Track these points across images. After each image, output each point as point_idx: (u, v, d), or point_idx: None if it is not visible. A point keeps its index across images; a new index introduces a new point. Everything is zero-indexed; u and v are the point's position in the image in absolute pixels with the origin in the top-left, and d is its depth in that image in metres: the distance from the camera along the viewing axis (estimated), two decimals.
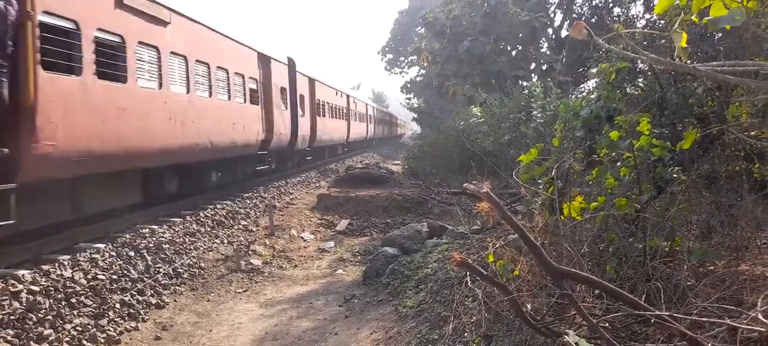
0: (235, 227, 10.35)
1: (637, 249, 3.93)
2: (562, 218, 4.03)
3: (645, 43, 5.46)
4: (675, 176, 4.18)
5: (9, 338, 4.90)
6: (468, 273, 5.05)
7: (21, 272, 5.84)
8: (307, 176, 18.88)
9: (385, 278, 7.32)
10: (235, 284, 7.84)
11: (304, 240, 10.51)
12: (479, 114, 17.41)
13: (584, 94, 10.83)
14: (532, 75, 20.63)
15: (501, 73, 20.33)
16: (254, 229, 10.60)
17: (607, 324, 3.16)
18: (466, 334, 4.36)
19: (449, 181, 14.54)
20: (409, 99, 40.91)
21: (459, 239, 7.48)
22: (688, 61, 2.39)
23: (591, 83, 13.59)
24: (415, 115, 37.87)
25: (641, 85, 5.98)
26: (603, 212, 4.04)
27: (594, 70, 5.83)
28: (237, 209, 11.46)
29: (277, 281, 8.11)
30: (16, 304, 5.26)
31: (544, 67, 20.48)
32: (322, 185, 17.52)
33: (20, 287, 5.51)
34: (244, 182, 14.53)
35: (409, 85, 40.96)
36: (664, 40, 5.13)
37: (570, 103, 5.53)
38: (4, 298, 5.26)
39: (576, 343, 2.57)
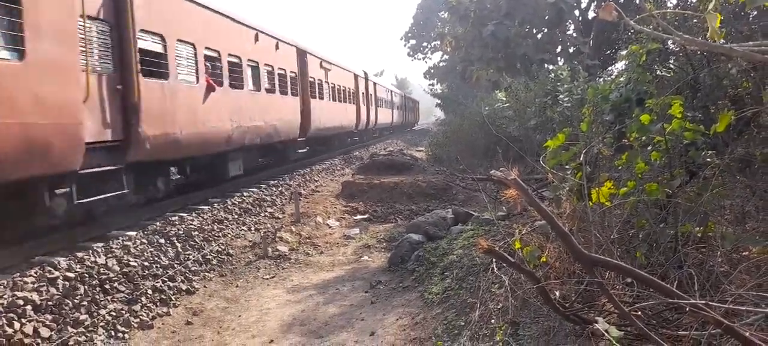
0: (262, 215, 10.49)
1: (669, 235, 3.85)
2: (591, 204, 3.96)
3: (677, 23, 5.30)
4: (708, 160, 4.07)
5: (47, 322, 5.08)
6: (494, 260, 5.03)
7: (57, 259, 6.04)
8: (331, 163, 18.98)
9: (411, 265, 7.34)
10: (262, 271, 7.96)
11: (330, 227, 10.59)
12: (504, 99, 17.19)
13: (613, 77, 10.59)
14: (559, 58, 20.22)
15: (526, 56, 20.00)
16: (280, 216, 10.73)
17: (639, 312, 3.12)
18: (492, 320, 4.36)
19: (474, 167, 14.43)
20: (433, 85, 40.64)
21: (484, 225, 7.44)
22: (723, 41, 2.31)
23: (619, 66, 13.29)
24: (439, 102, 37.63)
25: (673, 66, 5.82)
26: (633, 198, 3.97)
27: (623, 53, 5.70)
28: (263, 196, 11.61)
29: (304, 268, 8.21)
30: (53, 290, 5.44)
31: (570, 51, 20.07)
32: (346, 172, 17.59)
33: (56, 273, 5.69)
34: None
35: (432, 71, 40.67)
36: (696, 20, 4.98)
37: (599, 87, 5.41)
38: (41, 284, 5.44)
39: (606, 330, 2.54)
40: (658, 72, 5.93)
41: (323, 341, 5.45)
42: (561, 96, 11.28)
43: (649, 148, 4.13)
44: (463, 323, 4.78)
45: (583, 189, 4.04)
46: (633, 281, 3.53)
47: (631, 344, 2.98)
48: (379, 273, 7.62)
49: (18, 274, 5.52)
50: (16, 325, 4.83)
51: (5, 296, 5.06)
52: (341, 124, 22.20)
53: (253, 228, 9.61)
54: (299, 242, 9.27)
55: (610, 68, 17.73)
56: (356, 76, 25.80)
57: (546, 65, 18.91)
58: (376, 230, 10.29)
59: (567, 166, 4.53)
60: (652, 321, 3.21)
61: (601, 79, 12.94)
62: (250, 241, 8.98)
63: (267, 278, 7.70)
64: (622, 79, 5.88)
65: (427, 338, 4.98)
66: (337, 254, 8.96)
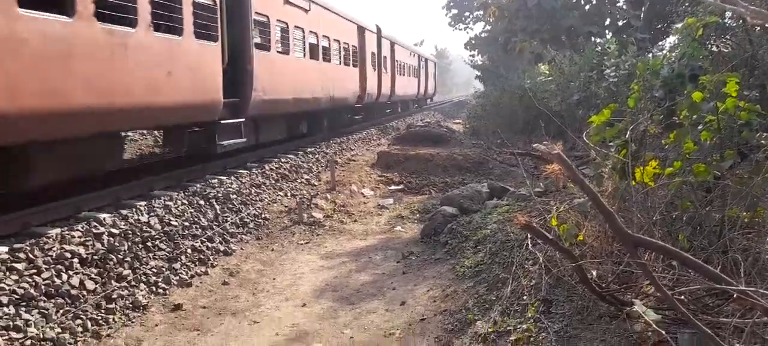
0: (298, 181, 10.62)
1: (714, 219, 3.70)
2: (634, 183, 3.83)
3: None
4: (762, 142, 3.85)
5: (92, 275, 5.31)
6: (529, 236, 4.96)
7: (102, 216, 6.27)
8: (367, 133, 18.99)
9: (443, 237, 7.32)
10: (297, 236, 8.09)
11: (364, 196, 10.65)
12: (547, 72, 16.74)
13: (664, 52, 10.13)
14: (607, 32, 19.45)
15: (572, 29, 19.33)
16: (316, 183, 10.84)
17: (681, 296, 3.02)
18: (524, 297, 4.31)
19: (512, 141, 14.20)
20: (473, 56, 39.84)
21: (520, 201, 7.33)
22: None
23: (671, 40, 12.69)
24: (479, 73, 36.93)
25: (730, 42, 5.51)
26: (678, 179, 3.81)
27: (678, 26, 5.41)
28: (300, 163, 11.73)
29: (338, 235, 8.30)
30: (98, 245, 5.67)
31: (619, 24, 19.24)
32: (382, 142, 17.58)
33: (102, 229, 5.92)
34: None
35: (473, 42, 39.84)
36: None
37: (649, 62, 5.17)
38: (87, 239, 5.67)
39: (644, 313, 2.47)
40: (714, 48, 5.62)
41: (354, 308, 5.53)
42: (607, 71, 10.88)
43: (700, 127, 3.94)
44: (494, 298, 4.75)
45: (626, 167, 3.90)
46: (674, 264, 3.42)
47: (668, 329, 2.89)
48: (412, 244, 7.64)
49: (66, 228, 5.76)
50: (64, 276, 5.07)
51: (54, 249, 5.30)
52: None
53: (289, 194, 9.75)
54: (334, 210, 9.36)
55: (661, 43, 16.98)
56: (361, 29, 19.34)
57: (593, 38, 18.24)
58: (410, 201, 10.30)
59: (611, 144, 4.38)
60: (691, 306, 3.11)
61: (651, 54, 12.41)
62: (286, 206, 9.12)
63: (301, 244, 7.82)
64: (674, 54, 5.60)
65: (457, 310, 4.99)
66: (371, 223, 9.02)
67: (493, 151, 14.12)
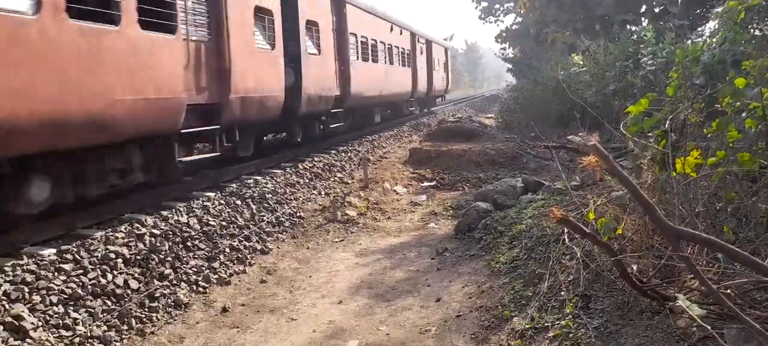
0: (332, 179, 10.71)
1: (761, 209, 3.56)
2: (674, 174, 3.72)
3: None
4: None
5: (136, 275, 5.49)
6: (565, 230, 4.88)
7: (144, 217, 6.47)
8: (399, 130, 19.00)
9: (478, 233, 7.27)
10: (331, 234, 8.17)
11: (397, 193, 10.66)
12: (581, 63, 16.40)
13: (703, 38, 9.79)
14: (642, 19, 18.90)
15: (606, 17, 18.85)
16: (349, 181, 10.91)
17: (728, 291, 2.92)
18: (562, 292, 4.25)
19: (547, 134, 13.96)
20: (504, 49, 39.33)
21: (556, 195, 7.21)
22: None
23: (711, 26, 12.25)
24: (510, 66, 36.43)
25: None
26: (722, 169, 3.69)
27: (718, 10, 5.23)
28: (333, 161, 11.83)
29: (371, 232, 8.34)
30: (140, 245, 5.85)
31: (656, 10, 18.66)
32: (413, 138, 17.54)
33: (143, 230, 6.11)
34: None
35: (504, 35, 39.31)
36: None
37: (688, 48, 5.01)
38: (130, 240, 5.87)
39: (687, 308, 2.40)
40: (757, 31, 5.40)
41: (390, 305, 5.55)
42: (644, 59, 10.59)
43: (743, 114, 3.80)
44: (530, 294, 4.70)
45: (666, 158, 3.80)
46: (718, 257, 3.31)
47: (714, 324, 2.80)
48: (446, 240, 7.61)
49: (110, 229, 5.97)
50: (109, 276, 5.25)
51: (99, 250, 5.50)
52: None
53: (322, 192, 9.85)
54: (367, 207, 9.41)
55: (700, 28, 16.41)
56: None
57: (628, 26, 17.76)
58: (443, 198, 10.26)
59: (650, 134, 4.26)
60: (738, 301, 3.01)
61: (690, 41, 12.02)
62: (320, 205, 9.22)
63: (336, 241, 7.89)
64: (715, 39, 5.41)
65: (493, 306, 4.95)
66: (404, 220, 9.02)
67: (526, 145, 13.93)
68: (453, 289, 5.75)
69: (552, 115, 16.83)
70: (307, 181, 10.10)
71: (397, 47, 20.17)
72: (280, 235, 7.77)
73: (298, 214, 8.60)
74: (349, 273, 6.55)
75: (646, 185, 4.12)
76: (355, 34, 14.88)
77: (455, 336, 4.69)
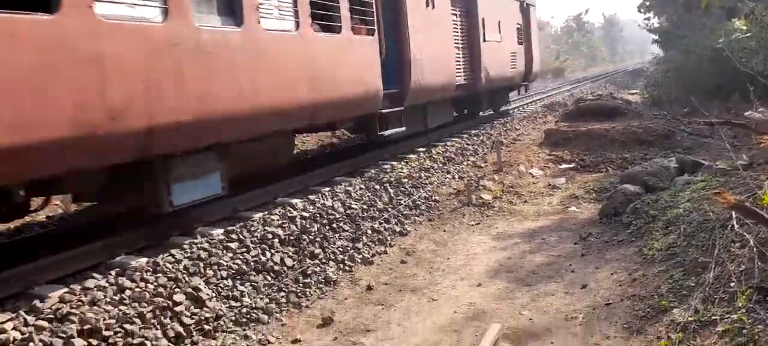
0: (465, 163, 10.69)
1: None
2: None
3: None
4: None
5: (290, 254, 5.99)
6: (734, 215, 4.41)
7: (294, 201, 7.02)
8: (532, 110, 18.32)
9: (626, 218, 6.82)
10: (467, 217, 8.18)
11: (533, 176, 10.34)
12: (744, 27, 14.48)
13: None
14: None
15: None
16: (482, 165, 10.81)
17: None
18: (732, 283, 3.86)
19: (704, 109, 12.59)
20: (648, 19, 35.90)
21: (719, 175, 6.50)
22: None
23: None
24: (656, 37, 33.19)
25: None
26: None
27: None
28: (465, 145, 11.78)
29: (508, 216, 8.21)
30: (293, 227, 6.36)
31: None
32: (548, 119, 16.81)
33: (295, 213, 6.63)
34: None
35: (647, 3, 35.86)
36: None
37: None
38: (284, 222, 6.40)
39: None
40: None
41: (531, 289, 5.45)
42: None
43: None
44: (693, 284, 4.32)
45: None
46: None
47: None
48: (589, 225, 7.25)
49: (266, 212, 6.57)
50: (268, 254, 5.79)
51: (258, 231, 6.08)
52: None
53: (456, 176, 9.88)
54: (502, 191, 9.26)
55: None
56: None
57: None
58: (583, 180, 9.75)
59: None
60: None
61: None
62: (454, 188, 9.26)
63: (472, 225, 7.90)
64: None
65: (647, 296, 4.64)
66: (542, 203, 8.74)
67: (679, 121, 12.69)
68: (600, 276, 5.48)
69: (708, 88, 15.14)
70: (440, 165, 10.19)
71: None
72: (417, 218, 7.96)
73: (433, 197, 8.73)
74: (487, 256, 6.53)
75: None
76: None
77: (605, 325, 4.48)
